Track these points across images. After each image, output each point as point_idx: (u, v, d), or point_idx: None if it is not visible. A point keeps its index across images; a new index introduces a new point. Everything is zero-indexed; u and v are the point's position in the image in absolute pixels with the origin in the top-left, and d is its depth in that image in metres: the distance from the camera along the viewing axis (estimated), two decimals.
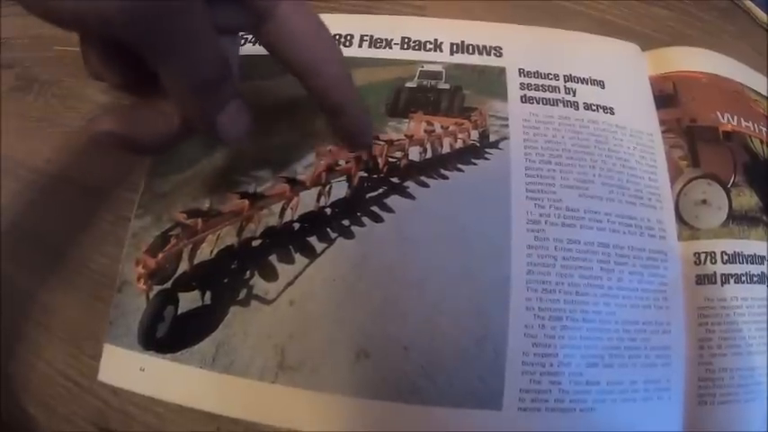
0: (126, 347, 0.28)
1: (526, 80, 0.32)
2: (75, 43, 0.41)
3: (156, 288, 0.28)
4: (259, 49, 0.33)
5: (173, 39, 0.17)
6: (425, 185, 0.30)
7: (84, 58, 0.21)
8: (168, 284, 0.28)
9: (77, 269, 0.31)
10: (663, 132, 0.31)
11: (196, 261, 0.29)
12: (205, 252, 0.29)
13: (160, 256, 0.27)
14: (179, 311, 0.28)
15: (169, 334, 0.28)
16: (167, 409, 0.27)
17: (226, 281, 0.28)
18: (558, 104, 0.32)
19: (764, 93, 0.34)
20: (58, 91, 0.38)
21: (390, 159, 0.32)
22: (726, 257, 0.29)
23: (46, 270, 0.32)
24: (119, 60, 0.20)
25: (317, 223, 0.30)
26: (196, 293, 0.28)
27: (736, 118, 0.32)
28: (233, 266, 0.29)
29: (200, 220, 0.28)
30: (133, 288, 0.28)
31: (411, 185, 0.30)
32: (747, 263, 0.29)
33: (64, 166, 0.34)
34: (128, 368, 0.28)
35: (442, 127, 0.33)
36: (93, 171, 0.34)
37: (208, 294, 0.28)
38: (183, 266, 0.29)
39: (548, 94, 0.32)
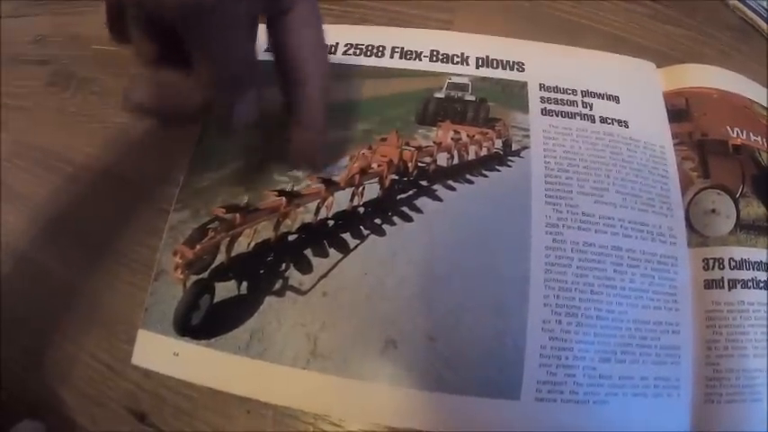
0: (160, 333, 0.29)
1: (546, 94, 0.34)
2: (112, 43, 0.43)
3: (193, 278, 0.29)
4: None
5: (216, 32, 0.19)
6: (452, 189, 0.32)
7: (111, 18, 0.23)
8: (205, 274, 0.30)
9: (115, 258, 0.32)
10: (675, 145, 0.33)
11: (233, 253, 0.30)
12: (242, 245, 0.30)
13: (198, 247, 0.29)
14: (215, 300, 0.29)
15: (204, 321, 0.29)
16: (199, 392, 0.28)
17: (262, 272, 0.30)
18: (575, 117, 0.33)
19: None
20: (96, 88, 0.39)
21: (420, 164, 0.33)
22: (733, 264, 0.30)
23: (83, 259, 0.33)
24: (156, 34, 0.21)
25: (350, 221, 0.31)
26: (232, 283, 0.29)
27: (745, 132, 0.33)
28: (269, 259, 0.30)
29: (237, 215, 0.30)
30: (170, 277, 0.30)
31: (439, 188, 0.32)
32: (754, 269, 0.30)
33: (103, 160, 0.36)
34: (162, 353, 0.29)
35: (468, 135, 0.35)
36: (133, 165, 0.35)
37: (244, 285, 0.29)
38: (221, 258, 0.30)
39: (566, 108, 0.34)
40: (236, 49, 0.21)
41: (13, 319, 0.32)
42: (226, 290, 0.29)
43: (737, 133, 0.33)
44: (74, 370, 0.30)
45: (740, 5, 0.38)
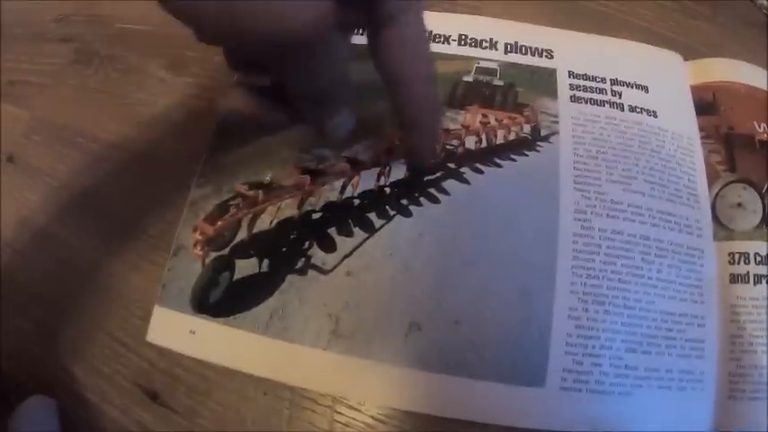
0: (177, 310, 0.28)
1: (575, 81, 0.34)
2: (135, 21, 0.43)
3: (213, 254, 0.29)
4: None
5: (308, 58, 0.19)
6: (480, 172, 0.31)
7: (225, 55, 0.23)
8: (225, 251, 0.29)
9: (135, 234, 0.32)
10: (702, 138, 0.33)
11: (255, 230, 0.30)
12: (264, 222, 0.30)
13: (219, 223, 0.28)
14: (234, 277, 0.29)
15: (223, 299, 0.28)
16: (215, 371, 0.28)
17: (284, 250, 0.29)
18: (604, 105, 0.33)
19: None
20: (119, 66, 0.39)
21: (448, 147, 0.33)
22: (759, 258, 0.30)
23: (101, 234, 0.32)
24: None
25: (376, 201, 0.31)
26: (253, 261, 0.29)
27: None
28: (292, 237, 0.30)
29: (260, 192, 0.29)
30: (189, 253, 0.29)
31: (467, 171, 0.31)
32: None
33: (124, 136, 0.35)
34: (177, 330, 0.28)
35: (496, 120, 0.35)
36: (155, 141, 0.35)
37: (265, 262, 0.29)
38: (242, 235, 0.30)
39: (595, 95, 0.34)
40: (328, 72, 0.20)
41: (30, 294, 0.32)
42: (246, 267, 0.29)
43: (764, 128, 0.33)
44: (88, 346, 0.30)
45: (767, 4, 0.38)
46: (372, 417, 0.27)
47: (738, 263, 0.30)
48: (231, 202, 0.30)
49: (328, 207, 0.31)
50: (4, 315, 0.31)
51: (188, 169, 0.33)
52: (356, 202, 0.31)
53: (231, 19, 0.16)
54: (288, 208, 0.30)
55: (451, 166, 0.32)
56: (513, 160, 0.32)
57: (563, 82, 0.34)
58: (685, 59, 0.35)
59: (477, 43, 0.36)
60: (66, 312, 0.31)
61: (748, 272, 0.29)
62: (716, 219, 0.31)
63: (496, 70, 0.35)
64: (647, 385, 0.27)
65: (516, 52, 0.35)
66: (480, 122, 0.34)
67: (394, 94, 0.23)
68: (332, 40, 0.19)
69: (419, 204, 0.30)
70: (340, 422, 0.27)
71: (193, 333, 0.28)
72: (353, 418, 0.27)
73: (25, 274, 0.32)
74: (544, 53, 0.35)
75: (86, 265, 0.32)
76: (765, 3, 0.38)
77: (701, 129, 0.33)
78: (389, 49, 0.21)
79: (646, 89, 0.34)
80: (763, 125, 0.33)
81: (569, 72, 0.34)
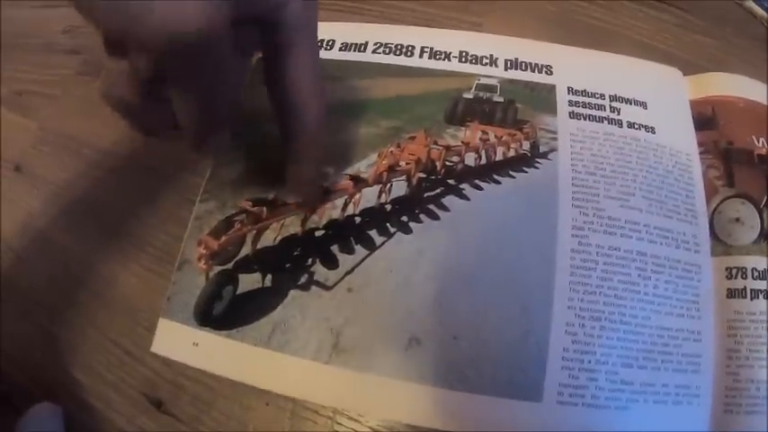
0: (181, 322, 0.29)
1: (574, 98, 0.34)
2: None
3: (217, 268, 0.29)
4: (332, 54, 0.36)
5: (203, 72, 0.18)
6: (479, 188, 0.32)
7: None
8: (229, 265, 0.30)
9: (140, 245, 0.33)
10: (700, 153, 0.33)
11: (259, 246, 0.30)
12: (268, 238, 0.30)
13: (223, 238, 0.29)
14: (238, 291, 0.29)
15: (226, 312, 0.29)
16: (218, 381, 0.29)
17: (288, 266, 0.30)
18: (603, 121, 0.33)
19: None
20: None
21: (447, 163, 0.33)
22: (756, 274, 0.30)
23: (109, 245, 0.33)
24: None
25: (377, 218, 0.31)
26: (257, 276, 0.30)
27: None
28: (295, 253, 0.30)
29: (265, 209, 0.30)
30: (193, 267, 0.30)
31: (466, 188, 0.32)
32: None
33: (130, 149, 0.36)
34: (182, 342, 0.29)
35: (496, 136, 0.35)
36: (159, 154, 0.35)
37: (269, 277, 0.30)
38: (246, 250, 0.30)
39: (594, 112, 0.34)
40: (221, 93, 0.20)
41: (35, 302, 0.32)
42: (250, 282, 0.30)
43: (763, 143, 0.33)
44: (94, 354, 0.30)
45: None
46: (372, 428, 0.27)
47: (736, 277, 0.30)
48: (236, 218, 0.31)
49: (331, 224, 0.31)
50: (7, 319, 0.32)
51: (192, 183, 0.33)
52: (357, 219, 0.32)
53: (125, 11, 0.16)
54: (292, 225, 0.31)
55: (451, 182, 0.32)
56: (513, 177, 0.32)
57: (562, 98, 0.34)
58: (685, 74, 0.36)
59: (477, 60, 0.36)
60: (69, 320, 0.31)
61: (746, 287, 0.29)
62: (714, 234, 0.31)
63: (497, 87, 0.35)
64: (644, 400, 0.27)
65: (516, 68, 0.36)
66: (480, 139, 0.35)
67: (286, 122, 0.23)
68: (228, 57, 0.18)
69: (419, 221, 0.31)
70: None
71: (196, 345, 0.29)
72: (353, 429, 0.28)
73: (28, 280, 0.33)
74: (544, 69, 0.36)
75: (91, 275, 0.32)
76: (766, 15, 0.38)
77: (700, 144, 0.33)
78: (284, 76, 0.22)
79: (644, 105, 0.34)
80: (762, 140, 0.33)
81: (568, 88, 0.35)
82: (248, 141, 0.34)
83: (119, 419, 0.29)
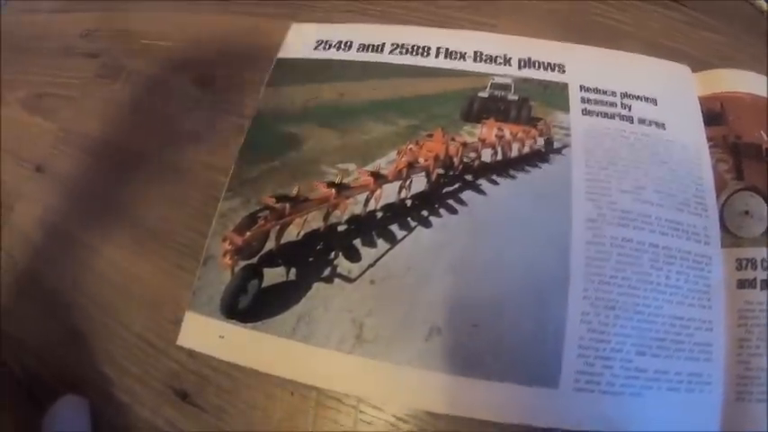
0: (207, 315, 0.30)
1: (586, 95, 0.35)
2: (160, 37, 0.44)
3: (242, 263, 0.30)
4: (350, 55, 0.37)
5: None
6: (496, 183, 0.33)
7: None
8: (254, 260, 0.31)
9: (165, 242, 0.33)
10: (710, 147, 0.34)
11: (283, 241, 0.31)
12: (292, 233, 0.31)
13: (248, 234, 0.30)
14: (263, 285, 0.30)
15: (251, 305, 0.30)
16: (243, 372, 0.29)
17: (311, 259, 0.31)
18: (615, 118, 0.34)
19: None
20: (146, 80, 0.40)
21: (465, 159, 0.34)
22: (766, 264, 0.30)
23: (133, 242, 0.33)
24: None
25: (398, 213, 0.32)
26: (281, 270, 0.30)
27: None
28: (318, 247, 0.31)
29: (287, 205, 0.31)
30: (218, 262, 0.31)
31: (483, 183, 0.33)
32: None
33: (151, 148, 0.37)
34: (207, 335, 0.30)
35: (511, 133, 0.36)
36: (181, 154, 0.36)
37: (293, 271, 0.30)
38: (270, 245, 0.31)
39: (606, 108, 0.35)
40: None
41: (60, 301, 0.33)
42: (274, 276, 0.30)
43: None
44: (118, 349, 0.31)
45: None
46: (395, 416, 0.28)
47: (746, 269, 0.30)
48: (259, 214, 0.31)
49: (353, 219, 0.32)
50: (32, 318, 0.33)
51: (215, 181, 0.34)
52: (379, 214, 0.32)
53: None
54: (314, 220, 0.32)
55: (469, 178, 0.33)
56: (528, 172, 0.33)
57: (575, 96, 0.35)
58: (694, 71, 0.36)
59: (491, 59, 0.37)
60: (93, 317, 0.32)
61: (756, 277, 0.30)
62: (723, 226, 0.31)
63: (511, 85, 0.36)
64: (657, 387, 0.28)
65: (529, 67, 0.37)
66: (496, 136, 0.36)
67: None
68: None
69: (439, 215, 0.32)
70: (364, 421, 0.28)
71: (222, 338, 0.29)
72: (377, 417, 0.28)
73: (53, 280, 0.34)
74: (556, 67, 0.36)
75: (115, 272, 0.33)
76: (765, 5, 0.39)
77: (710, 138, 0.34)
78: None
79: (655, 101, 0.35)
80: None
81: (581, 86, 0.35)
82: (269, 140, 0.35)
83: (144, 411, 0.30)
